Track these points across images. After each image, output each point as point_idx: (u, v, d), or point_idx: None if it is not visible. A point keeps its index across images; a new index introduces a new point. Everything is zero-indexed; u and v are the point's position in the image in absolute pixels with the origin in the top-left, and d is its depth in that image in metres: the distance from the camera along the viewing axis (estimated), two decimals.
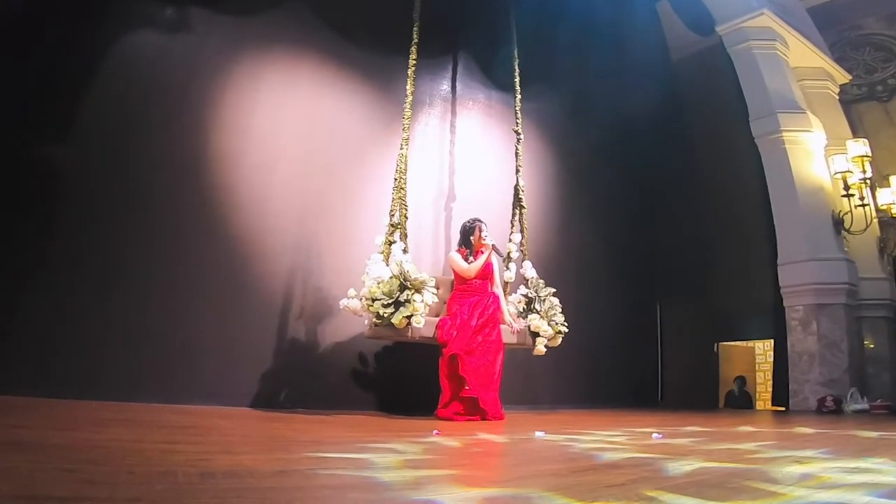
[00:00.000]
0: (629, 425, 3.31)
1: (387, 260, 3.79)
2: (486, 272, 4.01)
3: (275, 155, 4.26)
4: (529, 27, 5.30)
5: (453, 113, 5.32)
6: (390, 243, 3.88)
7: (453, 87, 5.38)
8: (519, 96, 4.94)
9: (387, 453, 1.73)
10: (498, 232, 4.52)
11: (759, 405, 8.03)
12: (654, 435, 2.63)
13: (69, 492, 1.01)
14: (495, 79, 5.50)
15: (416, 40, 4.41)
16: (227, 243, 3.95)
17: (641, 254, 6.71)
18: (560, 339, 4.22)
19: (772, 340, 6.47)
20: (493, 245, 4.02)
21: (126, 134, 3.74)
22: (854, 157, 5.98)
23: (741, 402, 7.15)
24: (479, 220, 4.13)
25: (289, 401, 3.90)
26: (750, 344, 8.55)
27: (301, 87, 4.53)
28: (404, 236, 4.00)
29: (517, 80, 4.96)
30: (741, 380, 7.36)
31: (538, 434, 2.64)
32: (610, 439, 2.45)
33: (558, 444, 2.28)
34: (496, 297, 3.91)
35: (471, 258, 4.04)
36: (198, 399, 3.48)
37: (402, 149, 4.15)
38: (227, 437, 2.17)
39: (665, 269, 6.95)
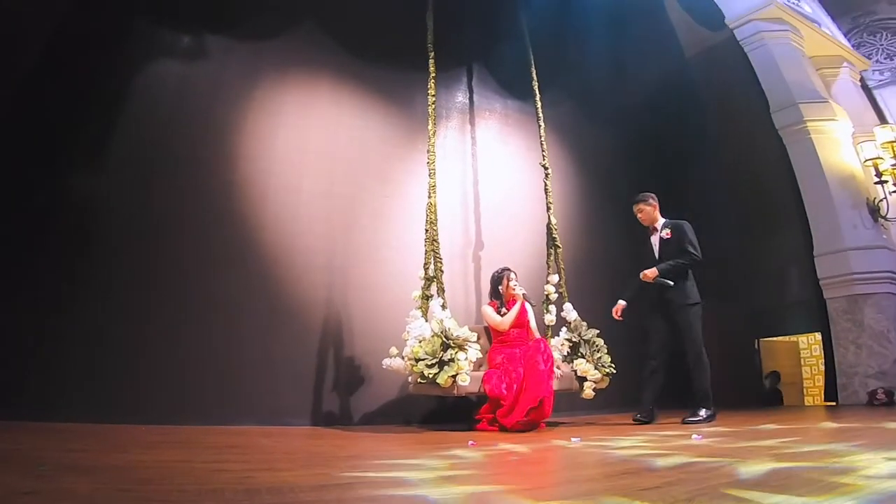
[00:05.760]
0: (666, 428, 3.27)
1: (425, 315, 3.75)
2: (521, 322, 3.93)
3: (299, 175, 4.39)
4: (540, 34, 5.33)
5: (472, 124, 5.37)
6: (427, 297, 3.84)
7: (471, 99, 5.44)
8: (542, 124, 4.88)
9: (423, 466, 1.77)
10: (529, 266, 4.56)
11: (808, 401, 7.76)
12: (694, 436, 2.59)
13: None
14: (510, 87, 5.53)
15: (433, 74, 4.42)
16: (258, 265, 4.07)
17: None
18: (608, 381, 4.09)
19: (815, 334, 6.26)
20: (523, 294, 3.95)
21: (154, 162, 3.92)
22: (883, 144, 5.79)
23: (770, 398, 6.86)
24: (508, 269, 4.07)
25: (328, 418, 3.98)
26: (793, 339, 8.28)
27: (320, 108, 4.66)
28: (441, 290, 3.89)
29: (538, 103, 4.92)
30: (774, 375, 7.10)
31: (574, 440, 2.63)
32: (647, 443, 2.43)
33: (595, 451, 2.27)
34: (545, 342, 3.76)
35: (503, 309, 3.96)
36: (241, 419, 3.58)
37: (429, 197, 4.08)
38: (269, 455, 2.24)
39: (699, 268, 6.82)
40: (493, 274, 4.14)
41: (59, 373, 3.30)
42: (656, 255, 3.94)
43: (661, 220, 4.01)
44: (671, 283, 3.76)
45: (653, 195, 4.07)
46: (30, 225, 3.48)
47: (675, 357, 3.82)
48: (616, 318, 3.99)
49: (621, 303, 3.99)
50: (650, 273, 3.83)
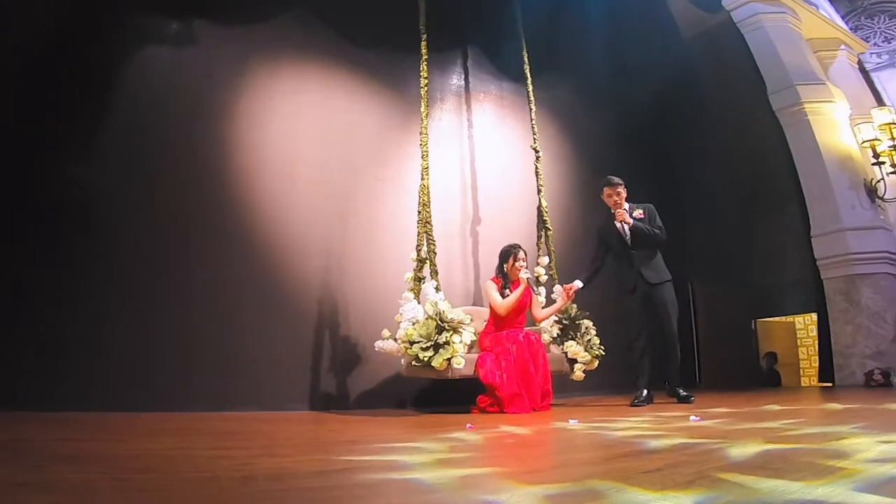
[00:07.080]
0: (663, 410, 3.28)
1: (417, 297, 3.72)
2: (522, 307, 3.85)
3: (294, 162, 4.34)
4: (535, 16, 5.26)
5: (467, 106, 5.32)
6: (419, 279, 3.79)
7: (466, 81, 5.37)
8: (533, 107, 4.86)
9: (421, 450, 1.76)
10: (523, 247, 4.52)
11: (805, 381, 7.83)
12: (692, 417, 2.60)
13: (122, 501, 1.07)
14: (505, 69, 5.47)
15: (425, 56, 4.36)
16: (254, 251, 4.05)
17: (668, 233, 6.57)
18: (597, 363, 4.12)
19: (812, 315, 6.29)
20: (528, 278, 3.79)
21: (147, 150, 3.87)
22: (881, 125, 5.78)
23: (768, 380, 6.94)
24: (518, 248, 3.91)
25: (325, 401, 3.99)
26: (789, 319, 8.33)
27: (313, 93, 4.60)
28: (435, 273, 3.82)
29: (529, 86, 4.89)
30: (771, 356, 7.17)
31: (572, 422, 2.64)
32: (645, 425, 2.44)
33: (593, 433, 2.28)
34: (538, 338, 3.75)
35: (507, 290, 3.84)
36: (239, 405, 3.59)
37: (422, 179, 4.04)
38: (269, 441, 2.24)
39: (695, 248, 6.79)
40: (504, 247, 3.97)
41: (56, 362, 3.29)
42: (627, 237, 3.90)
43: (627, 204, 3.95)
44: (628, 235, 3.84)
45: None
46: (24, 215, 3.44)
47: (655, 336, 3.84)
48: (564, 296, 3.93)
49: (577, 283, 3.92)
50: (628, 218, 3.82)
